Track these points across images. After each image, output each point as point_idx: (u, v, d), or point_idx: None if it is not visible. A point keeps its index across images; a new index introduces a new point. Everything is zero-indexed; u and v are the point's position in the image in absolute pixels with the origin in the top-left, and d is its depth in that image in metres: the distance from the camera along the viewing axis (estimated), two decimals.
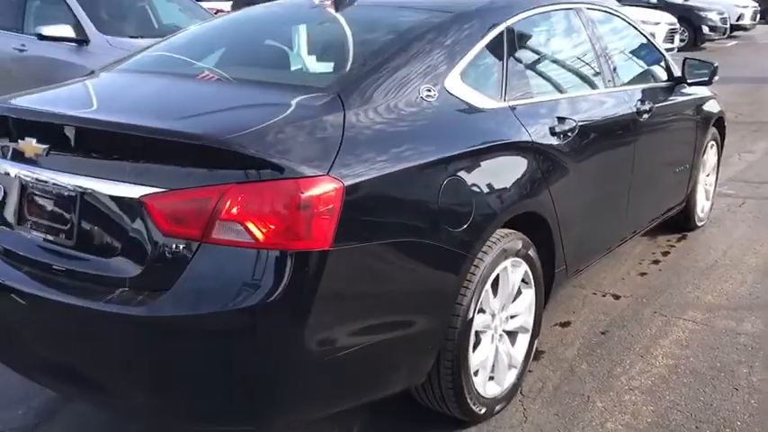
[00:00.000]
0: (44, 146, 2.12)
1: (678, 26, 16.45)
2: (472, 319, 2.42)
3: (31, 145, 2.15)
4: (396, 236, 2.13)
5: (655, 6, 17.84)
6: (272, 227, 1.87)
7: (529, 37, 3.07)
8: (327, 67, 2.64)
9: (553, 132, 2.83)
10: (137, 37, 6.50)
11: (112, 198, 2.02)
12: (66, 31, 6.27)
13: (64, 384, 2.29)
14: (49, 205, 2.18)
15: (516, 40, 2.91)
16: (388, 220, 2.12)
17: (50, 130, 2.15)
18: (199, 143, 1.92)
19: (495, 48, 2.76)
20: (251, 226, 1.87)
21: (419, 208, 2.21)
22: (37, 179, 2.19)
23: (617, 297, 3.79)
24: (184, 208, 1.91)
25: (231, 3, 11.85)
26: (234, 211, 1.87)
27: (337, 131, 2.07)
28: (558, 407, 2.78)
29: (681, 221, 4.70)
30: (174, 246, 1.91)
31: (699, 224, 4.84)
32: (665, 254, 4.43)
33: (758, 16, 23.52)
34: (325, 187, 1.92)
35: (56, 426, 2.66)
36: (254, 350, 1.91)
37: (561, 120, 2.90)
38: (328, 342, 2.00)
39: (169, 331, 1.92)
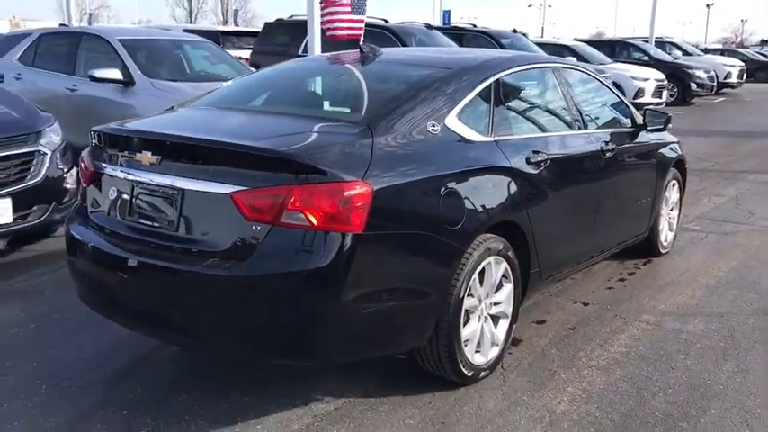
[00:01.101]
0: (157, 157, 2.94)
1: (667, 82, 17.45)
2: (462, 299, 3.20)
3: (146, 156, 2.97)
4: (408, 228, 2.93)
5: (645, 63, 18.92)
6: (322, 215, 2.68)
7: (512, 88, 3.92)
8: (357, 106, 3.47)
9: (528, 162, 3.65)
10: (175, 81, 7.41)
11: (207, 194, 2.83)
12: (115, 74, 7.17)
13: (159, 329, 3.08)
14: (155, 201, 3.00)
15: (501, 90, 3.75)
16: (403, 215, 2.92)
17: (161, 146, 2.98)
18: (271, 155, 2.75)
19: (485, 95, 3.60)
20: (308, 214, 2.68)
21: (425, 209, 3.01)
22: (147, 182, 3.00)
23: (586, 304, 4.56)
24: (262, 201, 2.71)
25: (250, 52, 12.75)
26: (296, 203, 2.68)
27: (368, 151, 2.89)
28: (530, 377, 3.53)
29: (646, 248, 5.49)
30: (253, 227, 2.72)
31: (663, 251, 5.63)
32: (631, 274, 5.22)
33: (745, 75, 24.72)
34: (359, 189, 2.73)
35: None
36: (309, 302, 2.71)
37: (536, 152, 3.72)
38: (359, 299, 2.78)
39: (251, 286, 2.72)
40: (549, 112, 4.21)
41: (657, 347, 3.92)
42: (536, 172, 3.69)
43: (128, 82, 7.19)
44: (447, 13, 51.13)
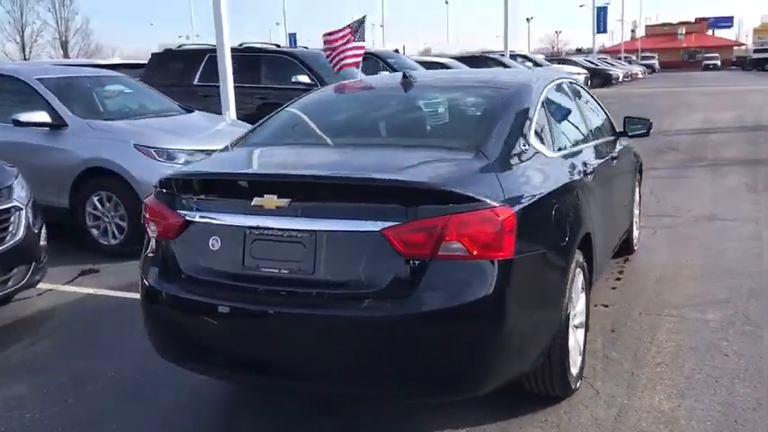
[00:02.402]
0: (286, 200, 2.75)
1: None
2: (569, 314, 3.26)
3: (271, 200, 2.77)
4: (537, 247, 2.96)
5: None
6: (479, 243, 2.64)
7: (553, 104, 4.05)
8: (452, 133, 3.45)
9: (586, 173, 3.79)
10: (111, 119, 6.91)
11: (351, 233, 2.69)
12: (42, 116, 6.54)
13: (286, 379, 2.87)
14: (280, 246, 2.80)
15: (547, 106, 3.86)
16: (533, 236, 2.94)
17: (289, 188, 2.79)
18: (426, 187, 2.67)
19: (543, 112, 3.70)
20: (466, 244, 2.62)
21: (545, 228, 3.05)
22: (268, 227, 2.80)
23: (606, 306, 4.76)
24: (417, 235, 2.62)
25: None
26: (454, 233, 2.61)
27: (494, 176, 2.88)
28: (614, 381, 3.64)
29: (623, 246, 5.82)
30: (411, 263, 2.62)
31: (635, 248, 6.00)
32: (621, 272, 5.51)
33: (589, 82, 26.82)
34: (507, 213, 2.72)
35: None
36: (477, 333, 2.64)
37: (585, 164, 3.87)
38: (514, 325, 2.76)
39: (419, 324, 2.61)
40: (574, 124, 4.38)
41: (699, 338, 4.17)
42: (590, 182, 3.83)
43: (59, 124, 6.59)
44: (293, 36, 51.31)
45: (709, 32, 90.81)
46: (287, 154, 3.42)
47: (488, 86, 3.83)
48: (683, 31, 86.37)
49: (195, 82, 11.53)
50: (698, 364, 3.81)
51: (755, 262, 5.64)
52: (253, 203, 2.81)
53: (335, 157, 3.31)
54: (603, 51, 64.62)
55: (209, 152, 6.41)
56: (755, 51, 63.72)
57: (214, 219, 2.93)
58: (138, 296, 3.27)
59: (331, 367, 2.75)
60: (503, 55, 23.03)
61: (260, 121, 3.89)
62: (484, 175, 2.86)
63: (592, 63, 37.65)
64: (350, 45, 7.04)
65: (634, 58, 65.50)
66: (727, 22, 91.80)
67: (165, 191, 3.09)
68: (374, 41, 57.00)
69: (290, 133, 3.70)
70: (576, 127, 4.37)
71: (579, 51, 77.32)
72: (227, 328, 2.87)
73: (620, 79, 38.56)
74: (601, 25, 48.25)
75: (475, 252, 2.63)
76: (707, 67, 69.30)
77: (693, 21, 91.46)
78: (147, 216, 3.17)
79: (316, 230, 2.74)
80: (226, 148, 3.60)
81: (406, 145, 3.39)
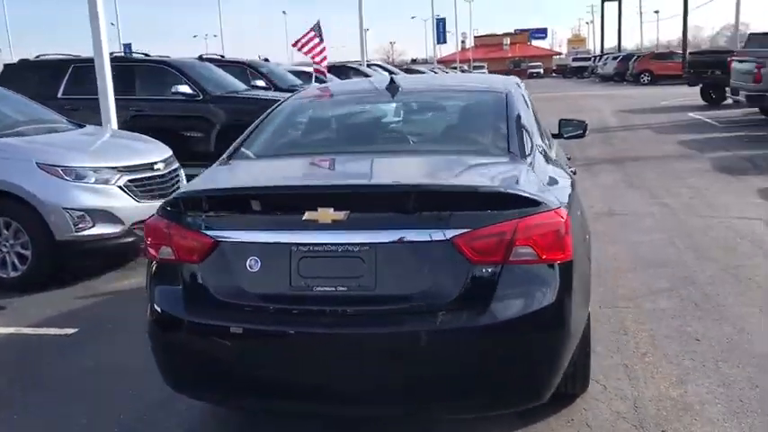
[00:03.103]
0: (344, 212, 2.54)
1: None
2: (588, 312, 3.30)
3: (327, 213, 2.55)
4: (579, 248, 2.95)
5: None
6: (546, 247, 2.60)
7: (529, 105, 4.09)
8: (475, 135, 3.39)
9: (574, 172, 3.88)
10: (4, 136, 6.17)
11: (416, 244, 2.54)
12: None
13: (347, 403, 2.69)
14: (334, 263, 2.59)
15: (531, 107, 3.90)
16: (576, 237, 2.92)
17: (344, 200, 2.60)
18: (498, 193, 2.63)
19: (531, 113, 3.74)
20: (535, 248, 2.57)
21: (578, 228, 3.06)
22: (319, 243, 2.59)
23: None
24: (489, 241, 2.53)
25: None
26: (524, 238, 2.56)
27: (537, 178, 2.86)
28: (615, 374, 3.75)
29: None
30: (483, 270, 2.53)
31: None
32: None
33: None
34: (565, 214, 2.70)
35: None
36: (552, 338, 2.59)
37: (568, 162, 3.96)
38: (574, 324, 2.75)
39: (499, 333, 2.52)
40: (539, 125, 4.47)
41: (665, 326, 4.40)
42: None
43: None
44: (128, 46, 49.08)
45: (530, 43, 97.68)
46: (318, 164, 3.22)
47: (476, 90, 3.84)
48: (508, 42, 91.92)
49: (60, 95, 10.61)
50: (679, 351, 4.00)
51: (674, 251, 6.05)
52: (305, 218, 2.59)
53: (376, 166, 3.14)
54: (439, 61, 67.42)
55: (120, 169, 5.96)
56: (575, 60, 69.26)
57: (251, 238, 2.67)
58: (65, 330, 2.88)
59: (401, 386, 2.60)
60: (360, 65, 23.27)
61: (247, 132, 3.59)
62: (531, 178, 2.84)
63: (439, 72, 38.96)
64: (320, 48, 6.98)
65: (466, 67, 68.78)
66: (542, 33, 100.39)
67: (182, 211, 2.77)
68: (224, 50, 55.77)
69: (298, 143, 3.47)
70: (540, 128, 4.47)
71: (415, 62, 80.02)
72: (273, 353, 2.62)
73: None
74: (441, 36, 50.20)
75: (543, 256, 2.59)
76: (531, 75, 74.06)
77: (515, 32, 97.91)
78: (153, 240, 2.83)
79: (376, 243, 2.57)
80: (224, 162, 3.30)
81: (435, 150, 3.30)
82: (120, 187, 5.88)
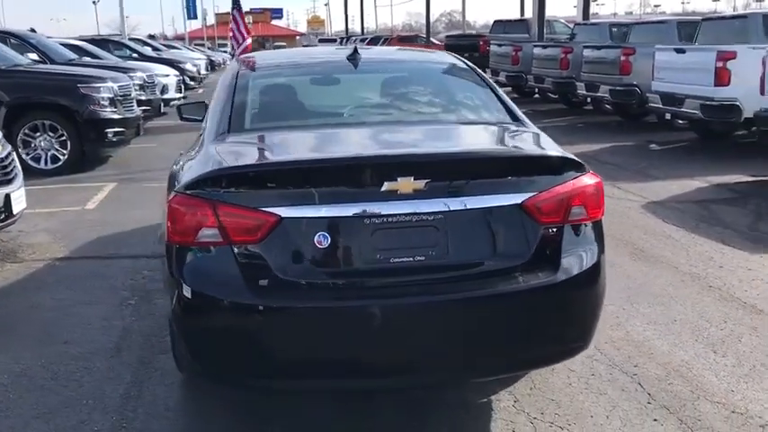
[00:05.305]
0: (423, 181, 2.50)
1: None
2: None
3: (407, 183, 2.50)
4: None
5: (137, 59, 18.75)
6: (592, 206, 2.83)
7: None
8: (474, 104, 3.48)
9: None
10: None
11: (488, 209, 2.61)
12: None
13: (426, 373, 2.69)
14: (409, 233, 2.56)
15: None
16: None
17: (422, 169, 2.57)
18: (557, 157, 2.79)
19: None
20: (585, 207, 2.79)
21: None
22: (393, 214, 2.54)
23: None
24: (552, 203, 2.70)
25: None
26: (577, 198, 2.76)
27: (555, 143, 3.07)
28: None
29: None
30: (549, 231, 2.69)
31: None
32: None
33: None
34: (597, 177, 2.93)
35: None
36: (597, 287, 2.84)
37: None
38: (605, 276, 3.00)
39: (571, 288, 2.70)
40: None
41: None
42: None
43: None
44: None
45: (271, 23, 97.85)
46: (359, 135, 3.15)
47: (438, 62, 3.98)
48: (251, 21, 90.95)
49: None
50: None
51: None
52: (384, 189, 2.51)
53: (418, 135, 3.13)
54: (178, 38, 64.15)
55: None
56: (321, 42, 70.96)
57: (318, 212, 2.53)
58: None
59: (488, 349, 2.68)
60: (123, 38, 21.60)
61: (225, 107, 3.22)
62: (554, 143, 3.03)
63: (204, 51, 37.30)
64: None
65: (210, 45, 66.54)
66: (278, 13, 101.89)
67: (228, 189, 2.53)
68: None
69: (305, 114, 3.29)
70: None
71: (153, 37, 75.49)
72: (352, 330, 2.53)
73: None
74: (191, 11, 48.17)
75: (590, 213, 2.82)
76: None
77: (252, 10, 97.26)
78: (188, 223, 2.54)
79: (449, 211, 2.59)
80: (233, 137, 3.00)
81: (454, 121, 3.38)
82: None
